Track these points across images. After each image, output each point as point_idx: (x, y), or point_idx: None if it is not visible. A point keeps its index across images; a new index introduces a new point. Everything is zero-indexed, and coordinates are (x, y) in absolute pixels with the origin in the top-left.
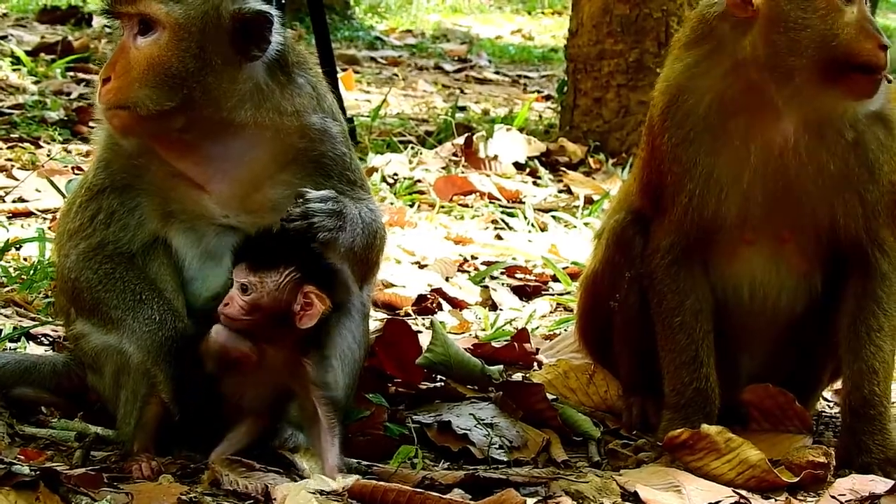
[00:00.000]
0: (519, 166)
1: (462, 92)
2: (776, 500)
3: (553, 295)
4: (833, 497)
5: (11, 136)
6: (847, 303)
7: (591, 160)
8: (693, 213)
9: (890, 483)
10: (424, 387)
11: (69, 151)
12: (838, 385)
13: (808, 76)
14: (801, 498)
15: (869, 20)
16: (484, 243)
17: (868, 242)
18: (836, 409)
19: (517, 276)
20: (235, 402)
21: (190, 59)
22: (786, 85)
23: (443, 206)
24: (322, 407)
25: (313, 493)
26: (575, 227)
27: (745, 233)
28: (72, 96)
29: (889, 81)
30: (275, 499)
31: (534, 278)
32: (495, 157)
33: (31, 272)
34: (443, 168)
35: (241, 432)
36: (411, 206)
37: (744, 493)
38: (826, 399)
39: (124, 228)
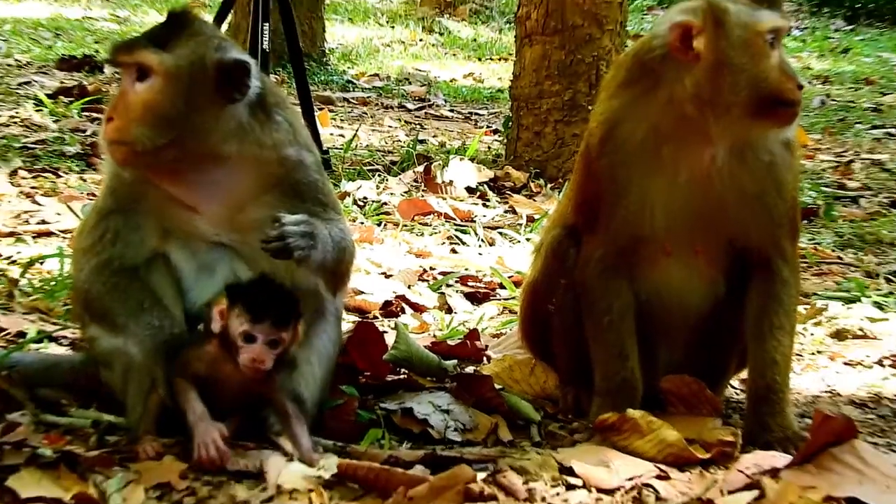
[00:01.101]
0: (471, 190)
1: (422, 127)
2: (691, 473)
3: (500, 300)
4: (740, 470)
5: (35, 167)
6: (752, 304)
7: (532, 185)
8: (627, 227)
9: (789, 458)
10: (390, 379)
11: (84, 180)
12: (744, 374)
13: (741, 110)
14: (713, 471)
15: (787, 63)
16: (441, 256)
17: (773, 252)
18: (742, 395)
19: (469, 284)
20: (219, 399)
21: (179, 102)
22: (722, 117)
23: (405, 225)
24: (289, 404)
25: (303, 470)
26: (519, 241)
27: (666, 245)
28: (86, 133)
29: None
30: (266, 472)
31: (483, 286)
32: (450, 183)
33: (52, 284)
34: (405, 192)
35: (229, 426)
36: (378, 225)
37: (663, 467)
38: (733, 386)
39: (128, 246)
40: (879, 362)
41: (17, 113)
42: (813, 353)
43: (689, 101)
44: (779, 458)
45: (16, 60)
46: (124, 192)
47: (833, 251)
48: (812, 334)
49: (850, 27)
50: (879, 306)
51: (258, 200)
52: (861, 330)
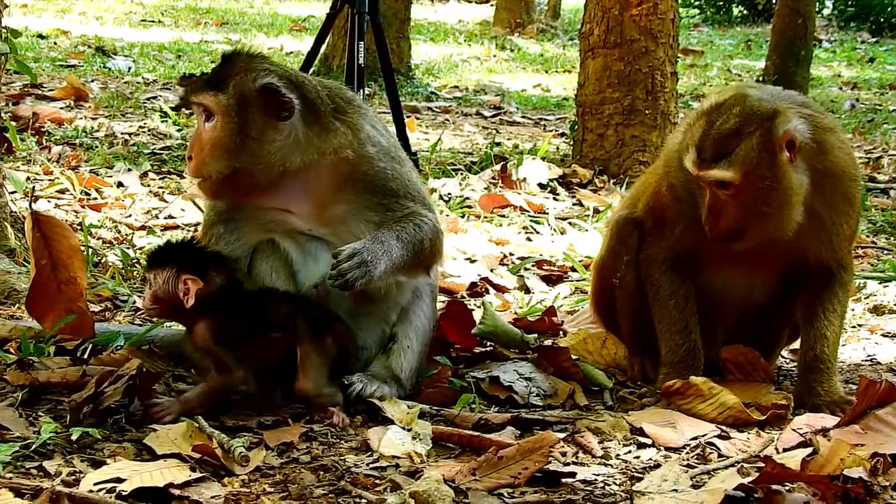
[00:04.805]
0: (542, 186)
1: (497, 132)
2: (749, 433)
3: (572, 281)
4: (793, 430)
5: (162, 170)
6: (809, 291)
7: (596, 180)
8: (686, 241)
9: (836, 419)
10: (478, 351)
11: None
12: (794, 346)
13: None
14: (768, 431)
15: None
16: (518, 244)
17: (833, 263)
18: (792, 364)
19: (544, 267)
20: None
21: (237, 133)
22: None
23: (486, 217)
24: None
25: (402, 435)
26: (586, 230)
27: (725, 256)
28: None
29: None
30: (369, 438)
31: (557, 269)
32: (524, 180)
33: None
34: (485, 188)
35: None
36: (462, 217)
37: (724, 427)
38: (783, 357)
39: (227, 244)
40: None
41: (145, 124)
42: (854, 327)
43: None
44: (828, 420)
45: (143, 78)
46: (222, 207)
47: (868, 237)
48: (853, 310)
49: (875, 39)
50: None
51: (336, 197)
52: None
